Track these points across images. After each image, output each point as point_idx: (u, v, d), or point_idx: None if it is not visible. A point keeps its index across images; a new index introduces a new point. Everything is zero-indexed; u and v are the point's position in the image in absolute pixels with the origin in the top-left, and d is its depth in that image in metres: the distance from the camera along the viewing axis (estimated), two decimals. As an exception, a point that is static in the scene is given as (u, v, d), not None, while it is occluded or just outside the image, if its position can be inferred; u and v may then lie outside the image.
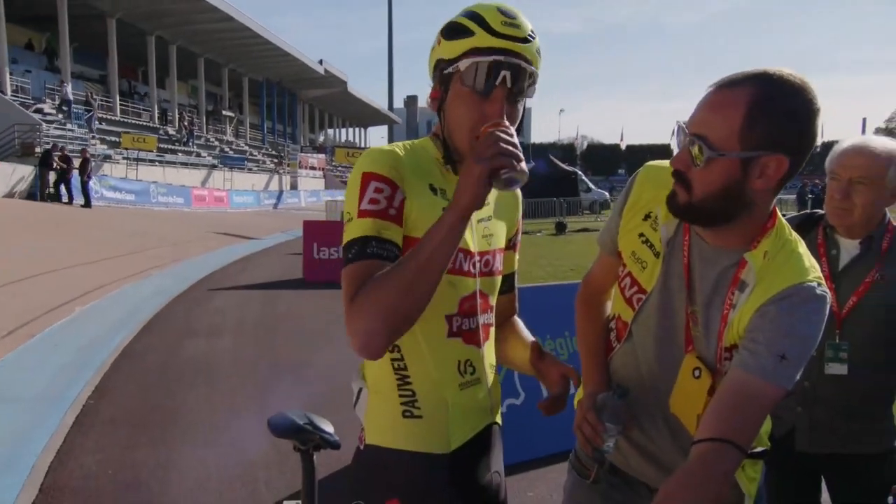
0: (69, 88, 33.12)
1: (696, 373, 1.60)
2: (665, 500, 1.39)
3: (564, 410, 1.69)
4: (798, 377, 1.47)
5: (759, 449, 1.67)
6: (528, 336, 1.91)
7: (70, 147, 27.91)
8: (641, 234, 1.71)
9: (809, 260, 1.56)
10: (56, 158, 23.34)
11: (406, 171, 1.56)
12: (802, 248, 1.58)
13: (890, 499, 2.27)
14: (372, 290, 1.40)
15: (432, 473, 1.63)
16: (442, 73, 1.58)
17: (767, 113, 1.41)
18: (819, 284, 1.50)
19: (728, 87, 1.45)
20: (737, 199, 1.49)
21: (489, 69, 1.50)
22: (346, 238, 1.50)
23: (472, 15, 1.55)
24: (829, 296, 1.51)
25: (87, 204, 23.50)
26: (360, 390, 1.69)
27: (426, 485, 1.62)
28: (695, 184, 1.48)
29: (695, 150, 1.45)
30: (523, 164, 1.41)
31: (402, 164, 1.56)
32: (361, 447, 1.67)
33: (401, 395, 1.62)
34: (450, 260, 1.44)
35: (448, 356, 1.64)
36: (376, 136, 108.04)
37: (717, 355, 1.58)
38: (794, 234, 1.60)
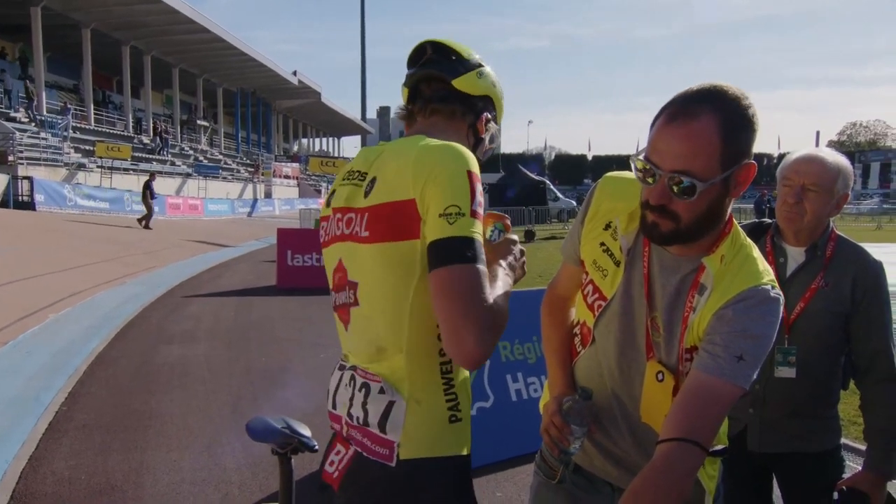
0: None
1: (660, 376, 1.66)
2: (632, 497, 1.45)
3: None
4: (755, 376, 1.52)
5: (718, 447, 1.73)
6: None
7: (45, 156, 27.67)
8: (602, 244, 1.77)
9: (763, 264, 1.63)
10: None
11: None
12: (756, 252, 1.65)
13: (835, 494, 2.40)
14: (498, 304, 1.54)
15: (469, 474, 1.67)
16: (476, 104, 1.85)
17: (737, 131, 1.49)
18: (773, 287, 1.57)
19: (692, 118, 1.47)
20: (718, 213, 1.58)
21: (493, 137, 1.92)
22: (460, 232, 1.50)
23: (497, 81, 1.91)
24: (782, 298, 1.59)
25: None
26: (390, 403, 1.61)
27: (468, 485, 1.66)
28: (682, 213, 1.53)
29: (678, 185, 1.49)
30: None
31: None
32: (392, 464, 1.59)
33: (447, 401, 1.63)
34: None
35: None
36: (350, 146, 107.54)
37: (678, 356, 1.65)
38: (748, 240, 1.68)
